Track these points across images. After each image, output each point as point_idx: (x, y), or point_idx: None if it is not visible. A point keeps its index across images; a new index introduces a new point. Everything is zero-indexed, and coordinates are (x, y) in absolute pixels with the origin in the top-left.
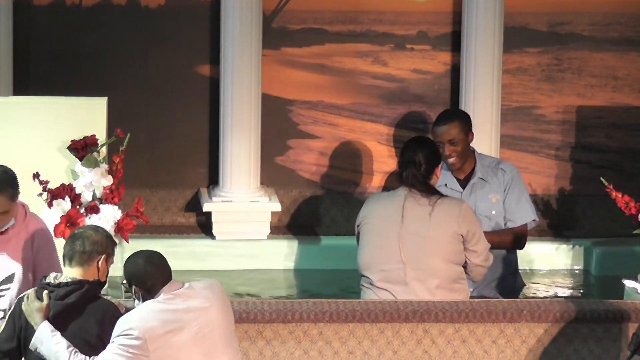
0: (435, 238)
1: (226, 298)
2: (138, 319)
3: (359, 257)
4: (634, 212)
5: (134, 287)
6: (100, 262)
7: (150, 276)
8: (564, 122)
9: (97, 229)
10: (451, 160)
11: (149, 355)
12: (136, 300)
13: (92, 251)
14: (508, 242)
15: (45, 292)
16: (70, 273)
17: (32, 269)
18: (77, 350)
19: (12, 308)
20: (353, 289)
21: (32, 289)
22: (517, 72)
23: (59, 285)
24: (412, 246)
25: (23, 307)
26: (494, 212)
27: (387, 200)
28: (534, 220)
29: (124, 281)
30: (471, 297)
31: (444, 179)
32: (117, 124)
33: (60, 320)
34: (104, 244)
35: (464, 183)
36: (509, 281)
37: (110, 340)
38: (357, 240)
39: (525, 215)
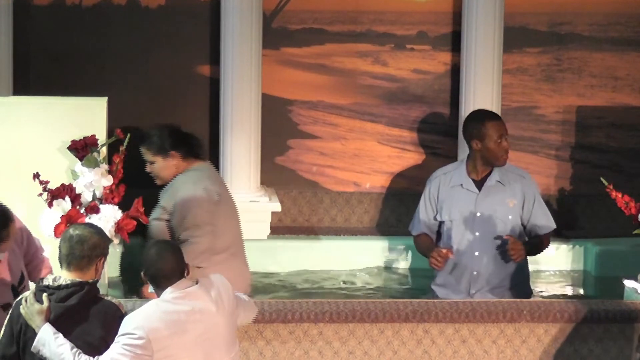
0: None
1: (232, 299)
2: (143, 319)
3: None
4: (634, 212)
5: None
6: (98, 264)
7: (163, 264)
8: (564, 122)
9: (91, 229)
10: (507, 154)
11: (152, 355)
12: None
13: (91, 255)
14: (545, 247)
15: (45, 294)
16: (67, 275)
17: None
18: (81, 351)
19: (9, 312)
20: (353, 288)
21: (29, 292)
22: (517, 72)
23: (59, 287)
24: None
25: (22, 311)
26: (510, 217)
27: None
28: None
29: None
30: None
31: (459, 179)
32: (117, 124)
33: (61, 322)
34: (102, 246)
35: (479, 184)
36: (517, 291)
37: (115, 340)
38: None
39: (550, 223)
